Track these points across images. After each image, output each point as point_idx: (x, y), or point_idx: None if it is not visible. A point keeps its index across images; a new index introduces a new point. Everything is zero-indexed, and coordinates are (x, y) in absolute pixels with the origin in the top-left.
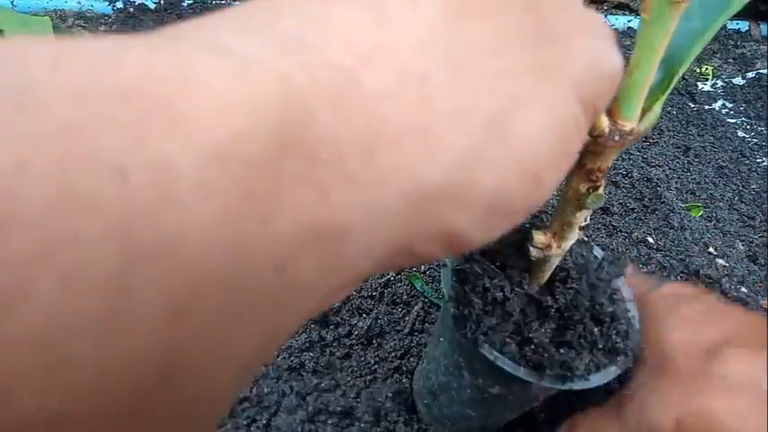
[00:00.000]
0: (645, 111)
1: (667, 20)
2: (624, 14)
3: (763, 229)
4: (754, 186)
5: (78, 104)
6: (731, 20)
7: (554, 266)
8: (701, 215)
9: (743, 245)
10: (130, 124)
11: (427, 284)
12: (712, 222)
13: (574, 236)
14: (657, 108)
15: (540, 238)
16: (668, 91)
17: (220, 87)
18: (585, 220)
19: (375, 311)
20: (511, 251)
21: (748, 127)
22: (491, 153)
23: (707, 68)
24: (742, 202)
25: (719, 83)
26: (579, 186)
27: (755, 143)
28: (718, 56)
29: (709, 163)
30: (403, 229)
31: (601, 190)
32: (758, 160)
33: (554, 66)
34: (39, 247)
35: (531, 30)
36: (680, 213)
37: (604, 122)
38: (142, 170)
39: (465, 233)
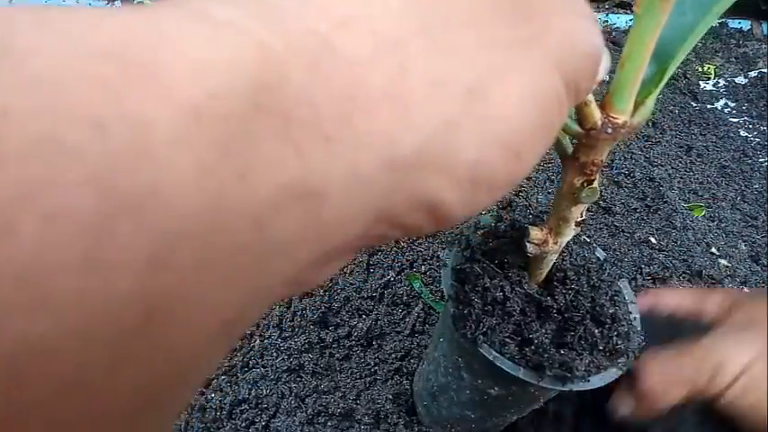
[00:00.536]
0: (638, 105)
1: (658, 13)
2: (627, 14)
3: (766, 229)
4: (756, 186)
5: (57, 61)
6: (733, 19)
7: (551, 263)
8: (704, 215)
9: (745, 245)
10: (108, 81)
11: (427, 285)
12: (715, 222)
13: (570, 232)
14: (650, 102)
15: (536, 233)
16: (661, 85)
17: (198, 50)
18: (581, 216)
19: (375, 312)
20: (510, 250)
21: (751, 126)
22: (470, 123)
23: (709, 68)
24: (744, 201)
25: (722, 82)
26: (574, 180)
27: (758, 142)
28: (720, 55)
29: (711, 162)
30: (383, 196)
31: (595, 184)
32: (761, 160)
33: (535, 40)
34: (21, 188)
35: (511, 3)
36: (682, 213)
37: (597, 115)
38: (119, 123)
39: (447, 204)
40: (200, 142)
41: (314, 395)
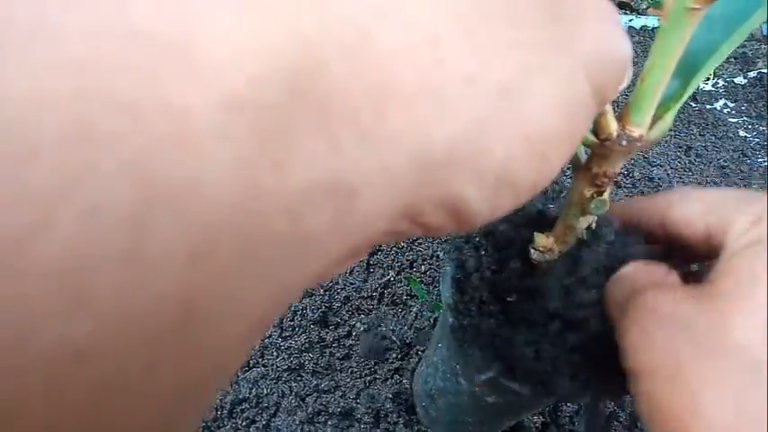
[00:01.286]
0: (656, 119)
1: (684, 27)
2: (625, 14)
3: None
4: (755, 186)
5: (89, 42)
6: None
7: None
8: None
9: None
10: (143, 65)
11: (427, 285)
12: None
13: (573, 241)
14: (669, 118)
15: (541, 240)
16: (681, 101)
17: (234, 34)
18: (591, 226)
19: (375, 312)
20: (510, 258)
21: (750, 126)
22: (500, 123)
23: None
24: None
25: (721, 82)
26: (584, 191)
27: (757, 143)
28: None
29: (710, 162)
30: (410, 193)
31: (605, 196)
32: (760, 160)
33: (566, 43)
34: (60, 180)
35: (545, 5)
36: None
37: (613, 126)
38: (156, 110)
39: (471, 204)
40: (237, 132)
41: (314, 394)
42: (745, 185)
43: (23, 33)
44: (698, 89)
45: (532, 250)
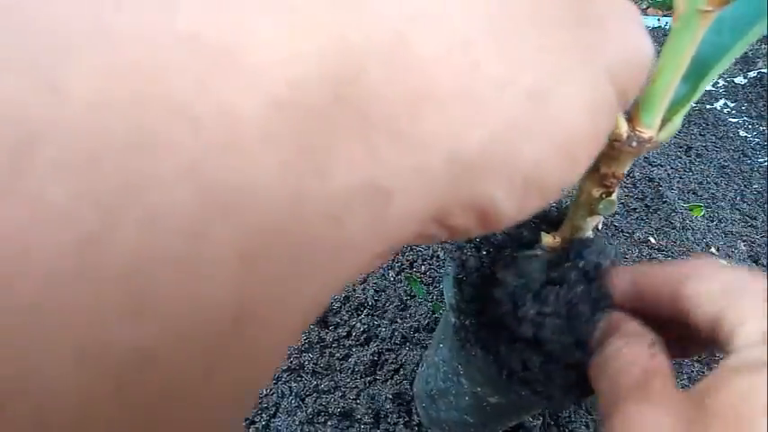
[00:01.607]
0: (665, 121)
1: (695, 29)
2: None
3: (765, 229)
4: (756, 186)
5: (142, 47)
6: None
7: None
8: (703, 215)
9: (745, 245)
10: (194, 69)
11: (427, 285)
12: (714, 222)
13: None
14: (678, 120)
15: (548, 240)
16: (690, 103)
17: (278, 39)
18: (597, 227)
19: (375, 312)
20: (512, 257)
21: (750, 126)
22: (531, 125)
23: None
24: (744, 201)
25: (721, 82)
26: (592, 191)
27: (757, 142)
28: None
29: (710, 162)
30: (442, 195)
31: (614, 196)
32: (760, 160)
33: (593, 46)
34: (122, 185)
35: (572, 7)
36: (682, 213)
37: (623, 127)
38: (210, 115)
39: (499, 206)
40: (284, 138)
41: (314, 394)
42: (745, 185)
43: (81, 36)
44: None
45: (540, 250)
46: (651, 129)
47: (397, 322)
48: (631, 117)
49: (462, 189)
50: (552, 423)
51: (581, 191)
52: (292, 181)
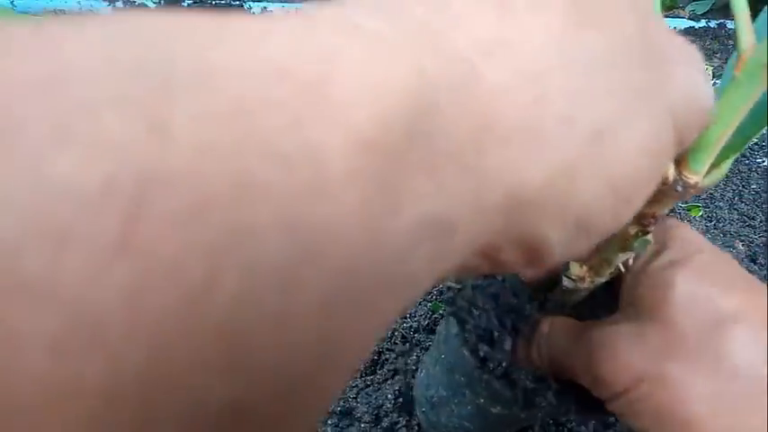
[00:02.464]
0: (712, 168)
1: (758, 82)
2: None
3: (764, 229)
4: (754, 186)
5: (240, 84)
6: (731, 20)
7: (576, 300)
8: (701, 215)
9: (743, 245)
10: (287, 105)
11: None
12: (712, 222)
13: (608, 275)
14: (725, 167)
15: (576, 270)
16: (739, 152)
17: (363, 70)
18: (628, 262)
19: None
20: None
21: None
22: (591, 166)
23: (707, 68)
24: (742, 201)
25: (719, 83)
26: (628, 228)
27: (755, 143)
28: (718, 56)
29: None
30: (495, 229)
31: (650, 236)
32: (758, 160)
33: (656, 88)
34: (225, 237)
35: (640, 48)
36: (680, 213)
37: (671, 171)
38: (300, 155)
39: (549, 244)
40: (364, 174)
41: None
42: (743, 186)
43: (185, 75)
44: None
45: (564, 277)
46: (698, 175)
47: (396, 322)
48: (679, 161)
49: (516, 225)
50: (551, 422)
51: None
52: (370, 220)
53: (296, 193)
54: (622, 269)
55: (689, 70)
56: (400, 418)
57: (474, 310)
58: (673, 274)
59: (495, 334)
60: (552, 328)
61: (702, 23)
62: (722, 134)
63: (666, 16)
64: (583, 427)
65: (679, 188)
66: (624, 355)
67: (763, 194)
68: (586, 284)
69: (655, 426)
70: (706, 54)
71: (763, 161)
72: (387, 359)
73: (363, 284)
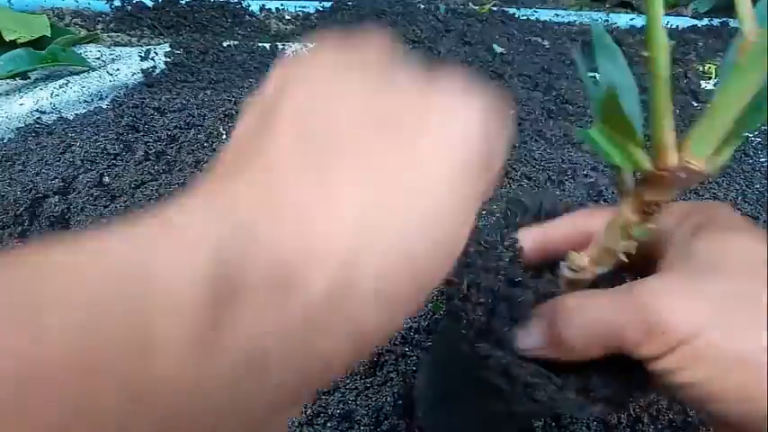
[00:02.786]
0: (714, 155)
1: (760, 68)
2: (627, 12)
3: (767, 229)
4: (757, 186)
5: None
6: (734, 19)
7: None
8: None
9: None
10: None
11: None
12: None
13: (610, 264)
14: (727, 154)
15: (576, 260)
16: (740, 139)
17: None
18: (630, 252)
19: None
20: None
21: None
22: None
23: (710, 67)
24: (746, 202)
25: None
26: (629, 215)
27: (759, 142)
28: (721, 54)
29: None
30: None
31: (651, 225)
32: (762, 160)
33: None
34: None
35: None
36: None
37: (675, 158)
38: (135, 344)
39: (369, 329)
40: (185, 336)
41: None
42: (747, 186)
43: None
44: (699, 88)
45: (564, 267)
46: (701, 161)
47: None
48: (682, 148)
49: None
50: (553, 424)
51: (618, 214)
52: (191, 367)
53: (131, 362)
54: (624, 258)
55: (439, 117)
56: (401, 421)
57: (470, 306)
58: (724, 231)
59: (494, 329)
60: (581, 300)
61: (705, 22)
62: (724, 120)
63: (669, 15)
64: (584, 428)
65: (683, 175)
66: (685, 304)
67: (767, 195)
68: (588, 275)
69: (712, 374)
70: (707, 53)
71: (766, 161)
72: (386, 361)
73: (192, 421)
